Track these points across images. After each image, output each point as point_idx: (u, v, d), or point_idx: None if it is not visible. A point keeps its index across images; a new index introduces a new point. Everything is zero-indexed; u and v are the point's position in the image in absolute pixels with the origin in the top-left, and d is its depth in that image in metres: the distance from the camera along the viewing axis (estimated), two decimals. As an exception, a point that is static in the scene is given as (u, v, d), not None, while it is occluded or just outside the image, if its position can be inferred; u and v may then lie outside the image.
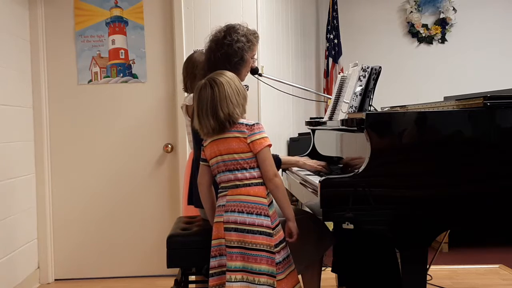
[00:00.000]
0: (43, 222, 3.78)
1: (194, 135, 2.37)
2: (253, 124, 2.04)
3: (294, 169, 2.68)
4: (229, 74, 2.09)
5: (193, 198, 2.46)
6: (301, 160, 2.57)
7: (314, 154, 2.94)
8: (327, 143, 2.82)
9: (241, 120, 2.05)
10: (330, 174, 2.39)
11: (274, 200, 2.08)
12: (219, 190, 2.10)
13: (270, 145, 2.05)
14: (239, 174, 2.03)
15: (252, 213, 1.99)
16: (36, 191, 3.77)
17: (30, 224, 3.69)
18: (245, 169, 2.02)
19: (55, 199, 3.85)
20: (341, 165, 2.46)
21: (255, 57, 2.50)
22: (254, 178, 2.03)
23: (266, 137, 2.04)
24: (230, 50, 2.33)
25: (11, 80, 3.46)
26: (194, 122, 2.10)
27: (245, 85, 2.19)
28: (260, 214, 1.99)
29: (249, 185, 2.02)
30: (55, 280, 3.87)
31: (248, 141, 2.01)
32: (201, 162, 2.15)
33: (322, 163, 2.54)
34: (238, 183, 2.03)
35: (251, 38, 2.38)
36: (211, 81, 2.04)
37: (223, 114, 2.00)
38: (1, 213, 3.27)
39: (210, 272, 2.07)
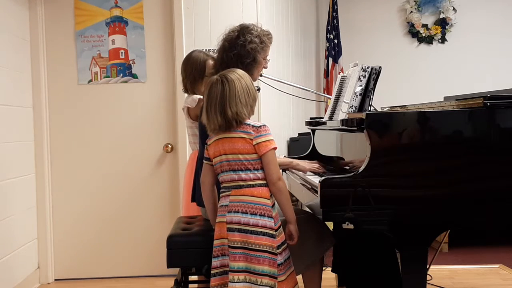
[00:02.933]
0: (43, 222, 3.78)
1: (201, 133, 2.37)
2: (260, 126, 2.03)
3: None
4: (241, 73, 2.09)
5: (195, 196, 2.46)
6: (294, 161, 2.57)
7: (314, 154, 2.95)
8: (327, 143, 2.82)
9: (248, 121, 2.05)
10: (329, 174, 2.39)
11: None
12: (221, 190, 2.10)
13: (275, 148, 2.04)
14: (243, 175, 2.03)
15: (255, 214, 1.99)
16: (36, 191, 3.77)
17: (30, 224, 3.69)
18: (249, 170, 2.02)
19: (55, 199, 3.85)
20: (341, 165, 2.46)
21: (268, 57, 2.48)
22: (258, 179, 2.03)
23: (272, 140, 2.04)
24: (242, 50, 2.32)
25: (11, 80, 3.46)
26: (202, 116, 2.10)
27: (257, 87, 2.19)
28: (264, 215, 2.00)
29: (253, 185, 2.02)
30: (55, 280, 3.86)
31: (254, 142, 2.01)
32: (204, 161, 2.15)
33: (316, 164, 2.54)
34: (241, 183, 2.03)
35: (264, 39, 2.38)
36: (223, 77, 2.05)
37: (230, 113, 2.00)
38: (1, 213, 3.27)
39: (212, 272, 2.07)
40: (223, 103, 2.01)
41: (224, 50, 2.36)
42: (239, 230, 1.99)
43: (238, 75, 2.07)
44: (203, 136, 2.27)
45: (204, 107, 2.07)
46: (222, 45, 2.39)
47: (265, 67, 2.50)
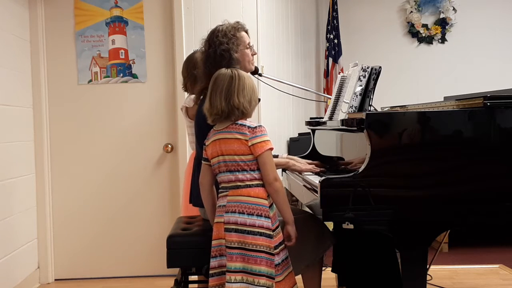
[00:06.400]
0: (43, 222, 3.78)
1: (197, 134, 2.37)
2: (255, 127, 2.03)
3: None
4: (249, 75, 2.15)
5: (192, 197, 2.46)
6: (291, 161, 2.56)
7: (314, 154, 2.94)
8: (327, 143, 2.82)
9: (244, 122, 2.05)
10: (328, 174, 2.39)
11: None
12: (220, 190, 2.10)
13: (271, 149, 2.04)
14: (239, 175, 2.03)
15: (252, 214, 1.99)
16: (36, 191, 3.77)
17: (30, 224, 3.69)
18: (246, 170, 2.03)
19: (55, 199, 3.85)
20: (340, 165, 2.46)
21: (250, 44, 2.45)
22: (255, 179, 2.03)
23: (267, 140, 2.03)
24: (217, 57, 2.32)
25: (11, 80, 3.46)
26: (205, 105, 2.10)
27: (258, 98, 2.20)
28: (261, 216, 1.99)
29: (249, 186, 2.03)
30: (55, 280, 3.86)
31: (249, 143, 2.01)
32: (202, 161, 2.15)
33: (313, 163, 2.53)
34: (239, 183, 2.03)
35: (232, 34, 2.35)
36: (234, 70, 2.09)
37: (237, 101, 2.02)
38: (1, 213, 3.27)
39: (210, 272, 2.08)
40: (231, 91, 2.03)
41: (205, 64, 2.39)
42: (236, 231, 1.99)
43: (248, 75, 2.12)
44: (200, 137, 2.27)
45: (208, 93, 2.08)
46: (202, 59, 2.43)
47: (254, 54, 2.48)
